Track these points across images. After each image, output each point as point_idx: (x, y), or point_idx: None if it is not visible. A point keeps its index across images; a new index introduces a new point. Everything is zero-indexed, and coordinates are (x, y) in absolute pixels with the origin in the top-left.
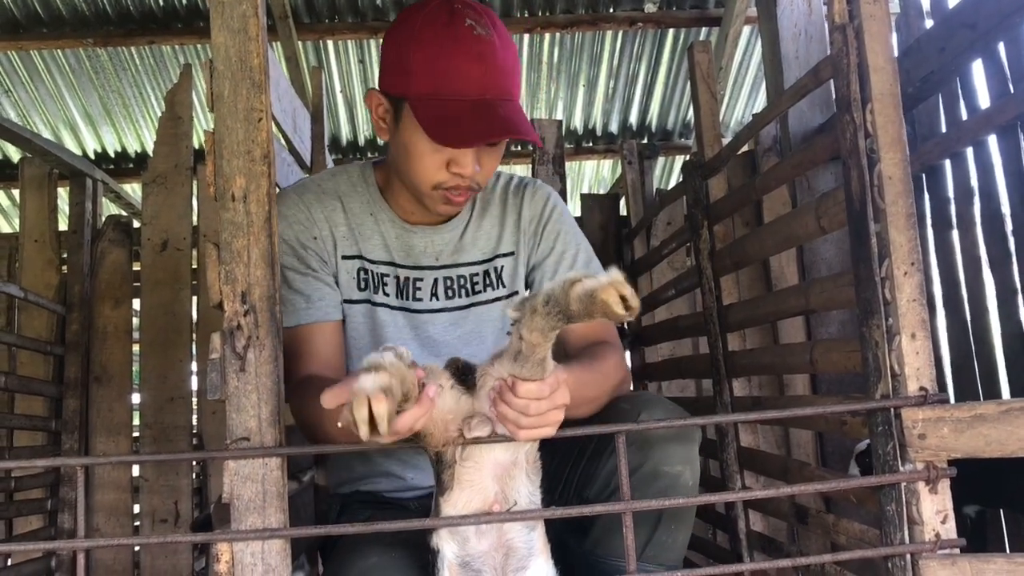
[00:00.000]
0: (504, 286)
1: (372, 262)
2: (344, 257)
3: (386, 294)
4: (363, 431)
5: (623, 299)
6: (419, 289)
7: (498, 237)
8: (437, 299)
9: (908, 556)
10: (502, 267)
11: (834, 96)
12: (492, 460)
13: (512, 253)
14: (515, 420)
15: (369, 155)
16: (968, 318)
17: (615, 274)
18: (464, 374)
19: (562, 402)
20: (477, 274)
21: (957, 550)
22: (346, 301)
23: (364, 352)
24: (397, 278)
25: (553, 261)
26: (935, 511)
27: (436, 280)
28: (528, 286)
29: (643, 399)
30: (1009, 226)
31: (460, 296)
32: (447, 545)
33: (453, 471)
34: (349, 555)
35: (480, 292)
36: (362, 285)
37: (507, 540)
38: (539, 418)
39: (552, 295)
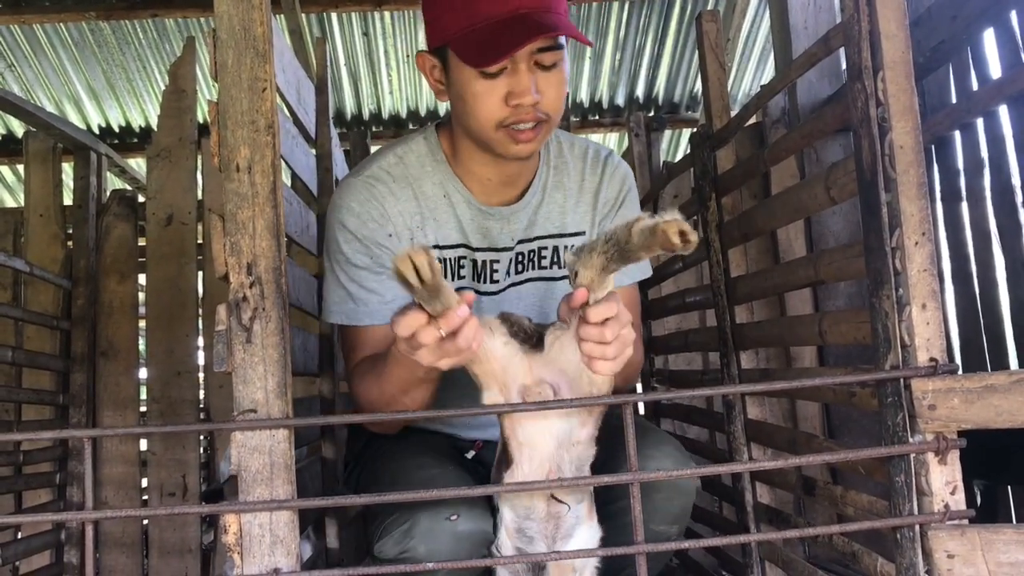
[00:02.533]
0: None
1: (446, 247)
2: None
3: (460, 277)
4: (410, 278)
5: (682, 233)
6: (495, 271)
7: (571, 212)
8: (509, 276)
9: (917, 527)
10: (571, 246)
11: (844, 65)
12: (551, 435)
13: (583, 233)
14: (598, 347)
15: (373, 128)
16: (977, 291)
17: (676, 213)
18: (518, 330)
19: (627, 319)
20: (546, 248)
21: (966, 521)
22: None
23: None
24: (474, 262)
25: None
26: (944, 482)
27: (511, 259)
28: None
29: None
30: (1020, 198)
31: (529, 269)
32: (507, 512)
33: (511, 448)
34: (403, 465)
35: (546, 268)
36: None
37: (556, 511)
38: (617, 341)
39: (613, 234)
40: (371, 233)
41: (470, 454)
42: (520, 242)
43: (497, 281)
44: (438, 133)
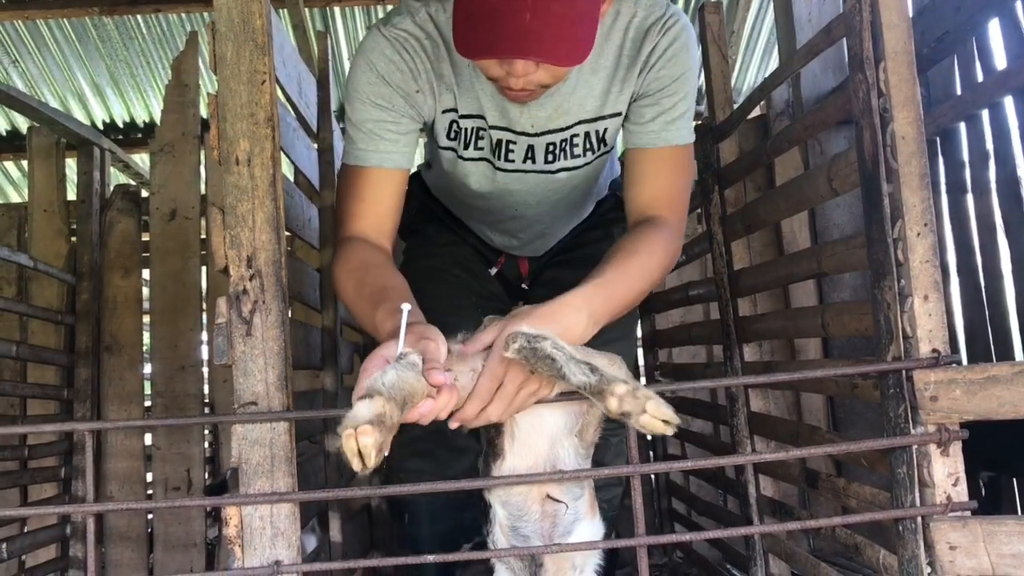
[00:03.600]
0: (605, 145)
1: (465, 117)
2: (443, 110)
3: (478, 148)
4: (355, 464)
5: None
6: (511, 152)
7: (605, 95)
8: (533, 162)
9: (919, 519)
10: (605, 129)
11: (846, 55)
12: (544, 430)
13: (619, 114)
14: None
15: None
16: (982, 284)
17: (662, 410)
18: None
19: (513, 388)
20: (578, 135)
21: (968, 513)
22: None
23: (450, 188)
24: (491, 138)
25: (652, 111)
26: (946, 474)
27: (531, 146)
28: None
29: None
30: None
31: (561, 159)
32: (499, 509)
33: (502, 441)
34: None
35: (579, 156)
36: (452, 135)
37: (552, 510)
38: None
39: (588, 383)
40: (400, 82)
41: (494, 269)
42: (548, 132)
43: (512, 161)
44: None
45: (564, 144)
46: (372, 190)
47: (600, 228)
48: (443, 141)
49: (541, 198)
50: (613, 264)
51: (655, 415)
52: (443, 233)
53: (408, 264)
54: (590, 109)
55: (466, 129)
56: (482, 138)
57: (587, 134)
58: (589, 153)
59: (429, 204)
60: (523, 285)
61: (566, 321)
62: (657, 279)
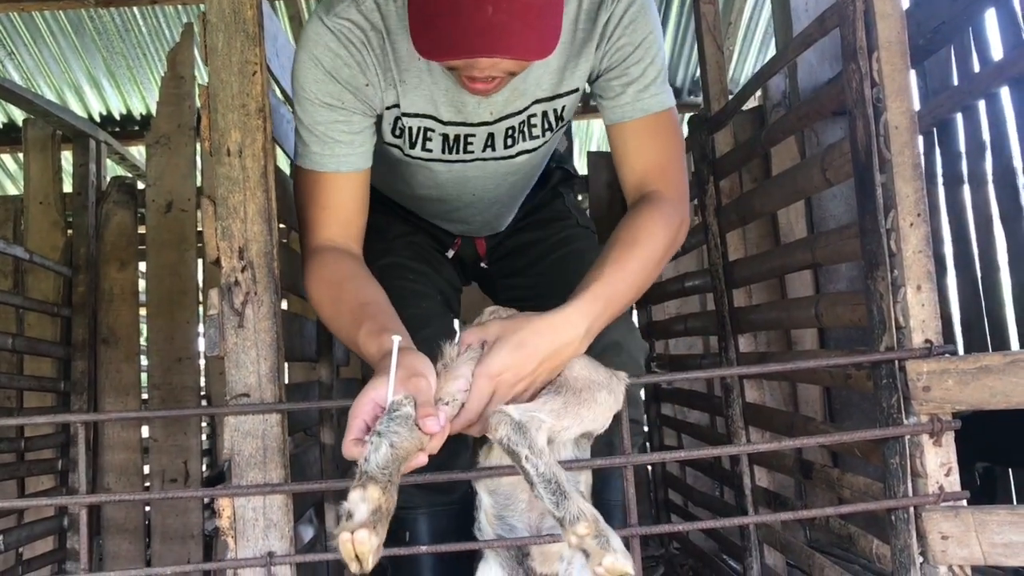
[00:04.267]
0: (562, 121)
1: (411, 115)
2: (387, 107)
3: (427, 150)
4: (352, 568)
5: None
6: (470, 144)
7: (561, 71)
8: (492, 149)
9: (911, 509)
10: (563, 107)
11: (840, 45)
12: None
13: (576, 90)
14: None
15: None
16: (979, 276)
17: (618, 566)
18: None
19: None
20: (535, 115)
21: (962, 502)
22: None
23: (395, 183)
24: (445, 136)
25: (620, 83)
26: (939, 464)
27: (491, 134)
28: (590, 83)
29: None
30: (1022, 181)
31: (521, 141)
32: (486, 497)
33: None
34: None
35: (537, 137)
36: (396, 133)
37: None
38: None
39: (551, 511)
40: (348, 78)
41: (450, 253)
42: (505, 117)
43: (472, 152)
44: None
45: (523, 126)
46: (333, 196)
47: (548, 192)
48: (388, 138)
49: (499, 181)
50: (612, 262)
51: (610, 571)
52: (394, 224)
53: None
54: (547, 87)
55: (410, 128)
56: (431, 139)
57: (544, 113)
58: (548, 132)
59: (375, 192)
60: (482, 264)
61: (563, 337)
62: (663, 261)
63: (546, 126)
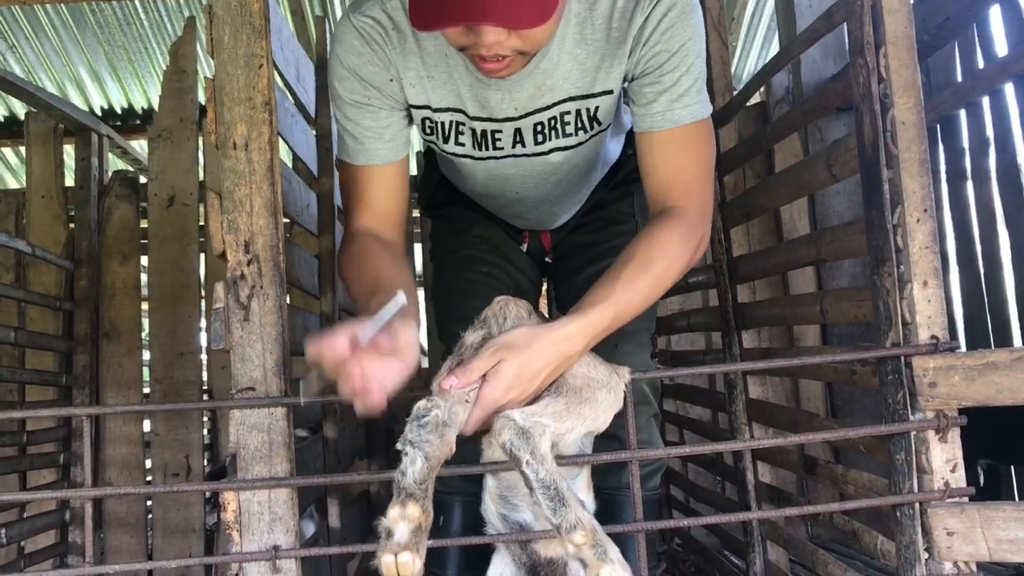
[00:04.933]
0: (599, 124)
1: (439, 110)
2: (413, 106)
3: (460, 144)
4: None
5: None
6: (498, 140)
7: (595, 70)
8: (523, 145)
9: (916, 505)
10: (597, 107)
11: (847, 41)
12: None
13: (610, 92)
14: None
15: None
16: (982, 272)
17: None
18: None
19: (504, 401)
20: (568, 112)
21: (966, 499)
22: None
23: (446, 168)
24: (473, 131)
25: (652, 90)
26: (945, 460)
27: (518, 130)
28: (624, 91)
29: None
30: None
31: (552, 138)
32: (489, 478)
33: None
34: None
35: (571, 135)
36: (427, 131)
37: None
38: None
39: (549, 517)
40: (371, 76)
41: (524, 247)
42: (532, 112)
43: (501, 148)
44: None
45: (554, 123)
46: (368, 188)
47: (619, 187)
48: (421, 136)
49: (540, 180)
50: (624, 280)
51: None
52: (468, 212)
53: (440, 255)
54: (579, 85)
55: (442, 123)
56: (462, 132)
57: (578, 111)
58: (582, 132)
59: (451, 184)
60: (547, 259)
61: (564, 352)
62: (677, 278)
63: (579, 125)
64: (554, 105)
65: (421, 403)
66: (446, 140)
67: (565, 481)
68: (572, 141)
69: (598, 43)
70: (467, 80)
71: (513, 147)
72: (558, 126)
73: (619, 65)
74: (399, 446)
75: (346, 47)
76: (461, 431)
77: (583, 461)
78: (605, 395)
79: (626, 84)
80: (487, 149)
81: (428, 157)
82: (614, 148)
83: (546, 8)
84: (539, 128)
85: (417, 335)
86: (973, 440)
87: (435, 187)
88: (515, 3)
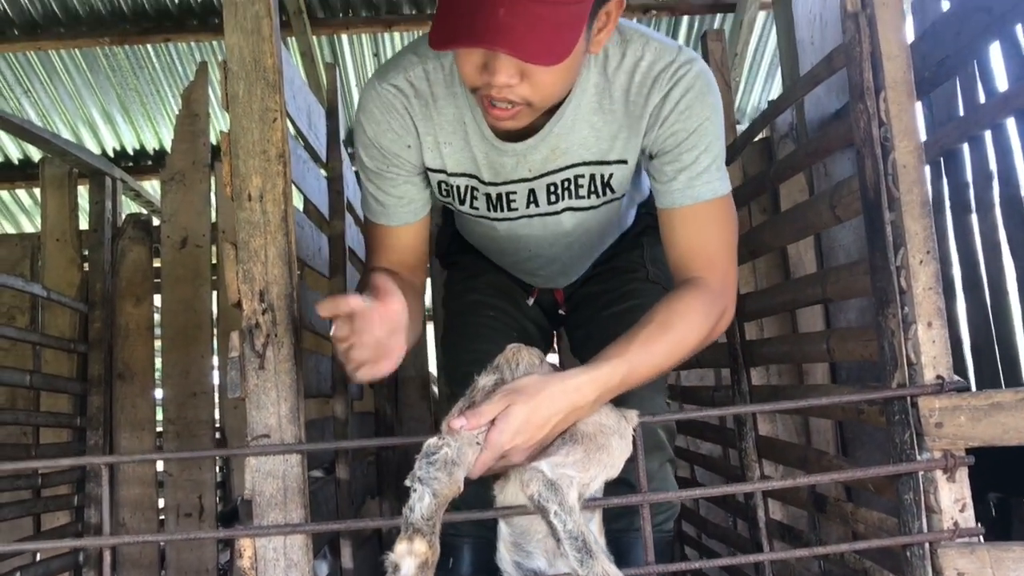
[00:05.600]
0: (612, 192)
1: (454, 175)
2: (429, 169)
3: (474, 207)
4: None
5: None
6: (512, 200)
7: (611, 140)
8: (536, 205)
9: (927, 545)
10: (610, 175)
11: (848, 83)
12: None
13: (625, 162)
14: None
15: None
16: (988, 301)
17: None
18: None
19: (506, 451)
20: (582, 176)
21: (976, 538)
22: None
23: (463, 226)
24: (488, 195)
25: (672, 168)
26: (953, 499)
27: (532, 190)
28: (647, 165)
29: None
30: None
31: (565, 199)
32: (503, 526)
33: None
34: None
35: (583, 197)
36: (443, 194)
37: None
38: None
39: (574, 568)
40: (388, 143)
41: (530, 301)
42: (547, 173)
43: (515, 209)
44: None
45: (567, 184)
46: (387, 243)
47: (629, 240)
48: (438, 197)
49: (553, 241)
50: (640, 341)
51: None
52: (480, 261)
53: (451, 300)
54: (594, 151)
55: (457, 187)
56: (476, 197)
57: (592, 176)
58: (594, 196)
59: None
60: (560, 311)
61: (574, 402)
62: (696, 348)
63: (592, 188)
64: (568, 168)
65: (431, 441)
66: (462, 202)
67: (592, 533)
68: (585, 203)
69: (616, 114)
70: (483, 148)
71: (527, 207)
72: (571, 187)
73: (635, 137)
74: (408, 482)
75: (367, 115)
76: (469, 473)
77: (595, 505)
78: (618, 441)
79: (644, 160)
80: (502, 211)
81: (445, 211)
82: (629, 216)
83: (561, 51)
84: (552, 188)
85: (405, 313)
86: (984, 474)
87: (450, 239)
88: (531, 38)
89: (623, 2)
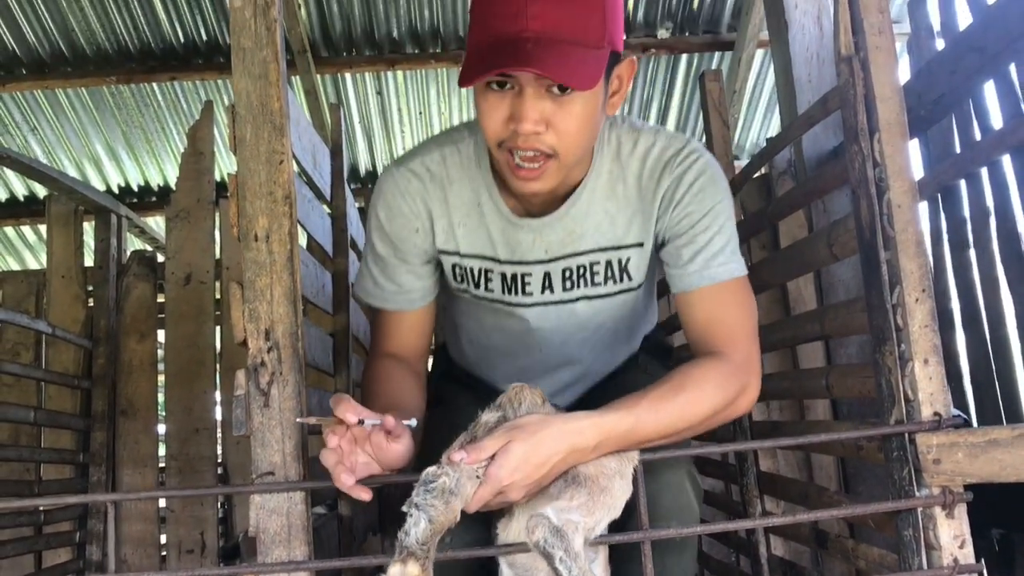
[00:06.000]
0: (630, 278)
1: (467, 256)
2: (442, 252)
3: (489, 290)
4: None
5: None
6: (528, 284)
7: (626, 225)
8: (552, 291)
9: None
10: (628, 259)
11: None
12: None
13: (641, 244)
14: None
15: None
16: (987, 336)
17: None
18: None
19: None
20: (598, 263)
21: (976, 575)
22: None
23: (471, 326)
24: (503, 274)
25: (688, 251)
26: (952, 536)
27: (547, 273)
28: (657, 249)
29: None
30: None
31: (580, 286)
32: (506, 568)
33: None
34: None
35: (599, 284)
36: (458, 279)
37: None
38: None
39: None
40: (397, 229)
41: None
42: (562, 257)
43: (531, 294)
44: None
45: (583, 271)
46: (393, 328)
47: (630, 360)
48: (452, 284)
49: (566, 337)
50: (650, 399)
51: None
52: (462, 394)
53: (429, 433)
54: (609, 237)
55: (471, 269)
56: (491, 279)
57: (608, 262)
58: (611, 283)
59: (453, 371)
60: None
61: (575, 445)
62: (710, 419)
63: (609, 274)
64: (584, 253)
65: (430, 469)
66: (477, 286)
67: None
68: (601, 291)
69: (629, 199)
70: (499, 224)
71: (542, 292)
72: (587, 274)
73: (649, 220)
74: (404, 508)
75: (382, 199)
76: (466, 506)
77: (598, 542)
78: (619, 482)
79: (659, 248)
80: (517, 294)
81: (439, 352)
82: (639, 329)
83: (589, 77)
84: (567, 274)
85: (410, 450)
86: (986, 510)
87: (438, 377)
88: (560, 64)
89: (634, 67)
